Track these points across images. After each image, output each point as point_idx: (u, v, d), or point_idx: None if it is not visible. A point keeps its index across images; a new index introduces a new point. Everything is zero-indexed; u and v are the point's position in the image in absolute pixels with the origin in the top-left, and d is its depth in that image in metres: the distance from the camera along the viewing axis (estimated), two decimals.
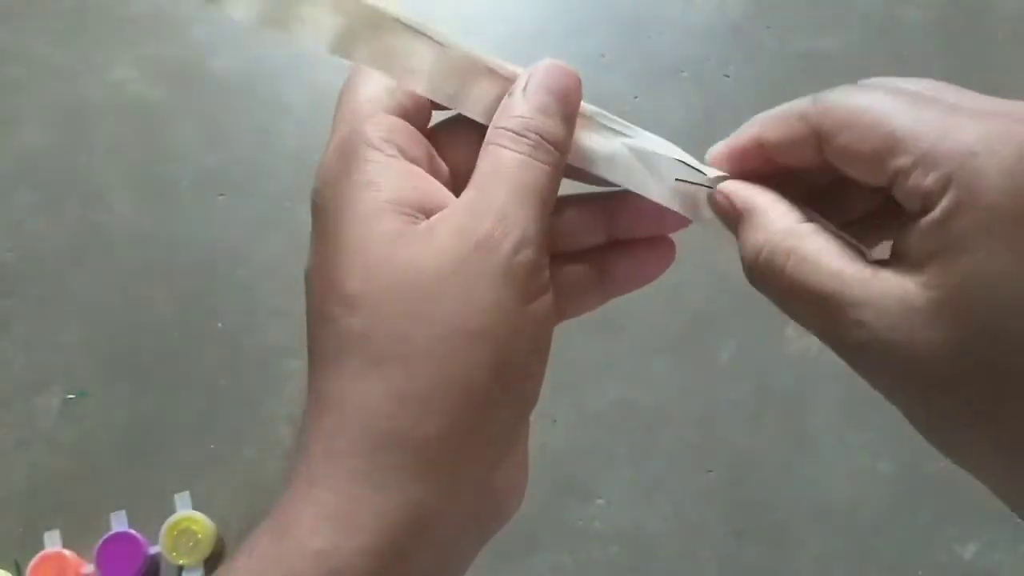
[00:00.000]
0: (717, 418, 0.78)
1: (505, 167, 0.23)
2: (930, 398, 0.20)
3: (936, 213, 0.19)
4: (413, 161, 0.24)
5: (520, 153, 0.23)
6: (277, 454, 0.76)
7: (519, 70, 0.25)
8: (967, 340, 0.19)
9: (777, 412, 0.78)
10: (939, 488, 0.74)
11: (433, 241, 0.22)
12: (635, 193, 0.26)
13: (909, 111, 0.20)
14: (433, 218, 0.23)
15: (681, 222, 0.27)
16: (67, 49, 0.93)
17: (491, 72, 0.25)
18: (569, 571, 0.73)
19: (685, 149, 0.26)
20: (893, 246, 0.21)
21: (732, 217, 0.25)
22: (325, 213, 0.23)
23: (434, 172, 0.25)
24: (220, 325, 0.81)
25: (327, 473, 0.21)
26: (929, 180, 0.19)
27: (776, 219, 0.23)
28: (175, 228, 0.85)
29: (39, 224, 0.85)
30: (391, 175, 0.23)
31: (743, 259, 0.24)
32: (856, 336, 0.21)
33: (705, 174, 0.26)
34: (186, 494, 0.73)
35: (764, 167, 0.25)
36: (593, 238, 0.27)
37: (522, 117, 0.23)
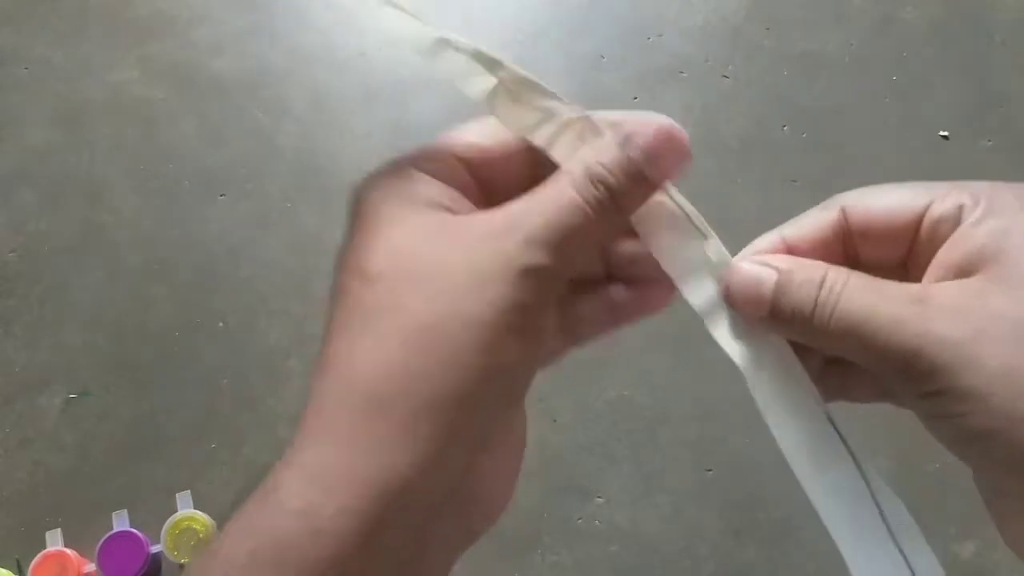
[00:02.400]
0: (717, 417, 0.78)
1: (562, 200, 0.23)
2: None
3: (973, 217, 0.22)
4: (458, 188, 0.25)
5: (582, 198, 0.23)
6: (278, 453, 0.76)
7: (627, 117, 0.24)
8: None
9: None
10: (937, 486, 0.74)
11: (459, 232, 0.23)
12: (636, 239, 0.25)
13: (901, 189, 0.23)
14: (472, 215, 0.24)
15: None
16: (69, 50, 0.93)
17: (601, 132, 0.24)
18: (569, 569, 0.73)
19: None
20: (928, 284, 0.22)
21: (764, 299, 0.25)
22: (365, 205, 0.24)
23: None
24: (221, 325, 0.81)
25: (314, 435, 0.22)
26: (957, 199, 0.22)
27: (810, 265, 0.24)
28: (176, 228, 0.85)
29: (41, 224, 0.85)
30: (433, 186, 0.24)
31: (802, 314, 0.24)
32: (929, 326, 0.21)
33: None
34: (187, 493, 0.73)
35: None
36: (595, 269, 0.27)
37: (603, 167, 0.23)
